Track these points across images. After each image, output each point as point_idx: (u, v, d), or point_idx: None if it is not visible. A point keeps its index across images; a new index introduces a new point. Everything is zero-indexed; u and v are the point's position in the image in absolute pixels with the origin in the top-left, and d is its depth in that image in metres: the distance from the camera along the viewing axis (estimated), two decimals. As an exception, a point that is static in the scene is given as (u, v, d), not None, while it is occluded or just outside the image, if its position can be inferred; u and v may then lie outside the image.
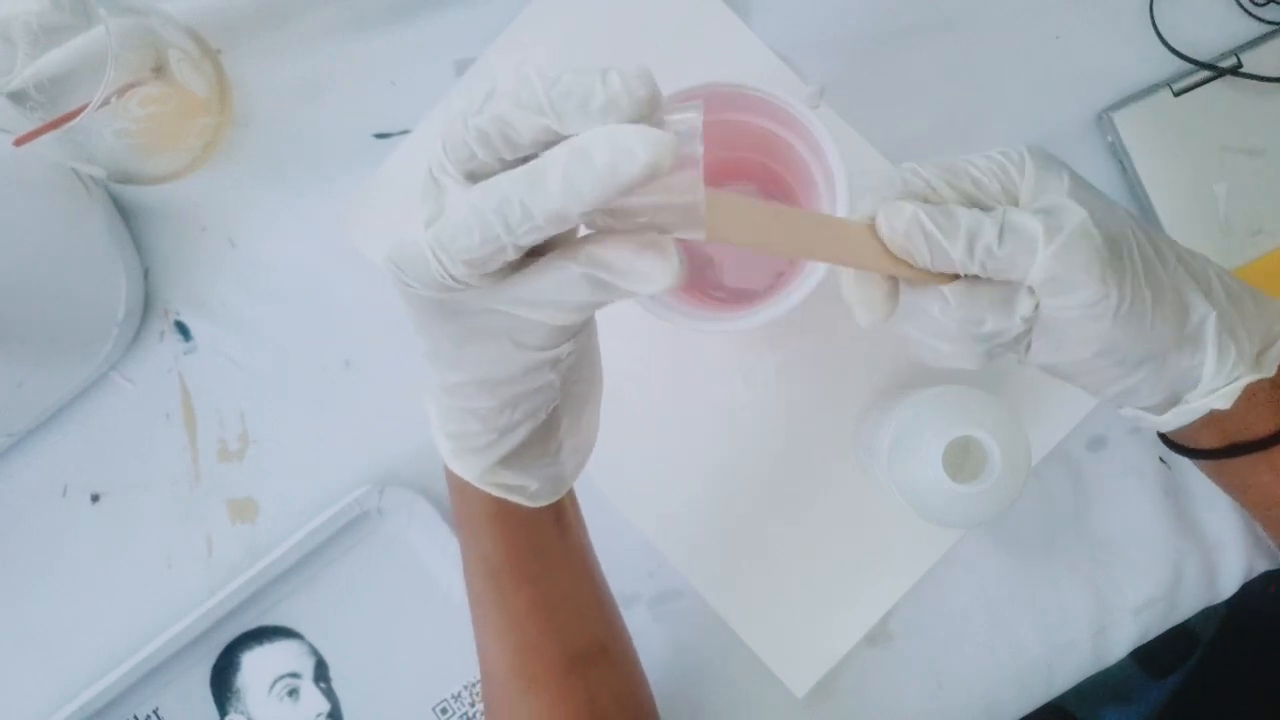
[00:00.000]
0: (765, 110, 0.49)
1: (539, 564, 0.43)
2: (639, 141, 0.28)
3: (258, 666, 0.58)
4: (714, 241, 0.33)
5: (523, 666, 0.43)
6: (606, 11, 0.59)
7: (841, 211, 0.46)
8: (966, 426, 0.45)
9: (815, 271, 0.46)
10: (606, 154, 0.28)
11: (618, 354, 0.58)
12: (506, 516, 0.42)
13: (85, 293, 0.56)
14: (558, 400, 0.39)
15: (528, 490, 0.41)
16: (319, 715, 0.58)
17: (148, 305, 0.60)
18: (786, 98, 0.46)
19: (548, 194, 0.29)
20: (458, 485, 0.42)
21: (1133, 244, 0.36)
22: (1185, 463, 0.57)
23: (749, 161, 0.55)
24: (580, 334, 0.37)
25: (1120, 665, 0.57)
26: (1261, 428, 0.41)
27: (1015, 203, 0.37)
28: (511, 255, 0.31)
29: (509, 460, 0.40)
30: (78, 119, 0.48)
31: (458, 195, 0.31)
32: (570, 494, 0.46)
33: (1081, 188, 0.37)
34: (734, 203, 0.34)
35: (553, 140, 0.29)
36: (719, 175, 0.57)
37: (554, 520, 0.44)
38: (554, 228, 0.30)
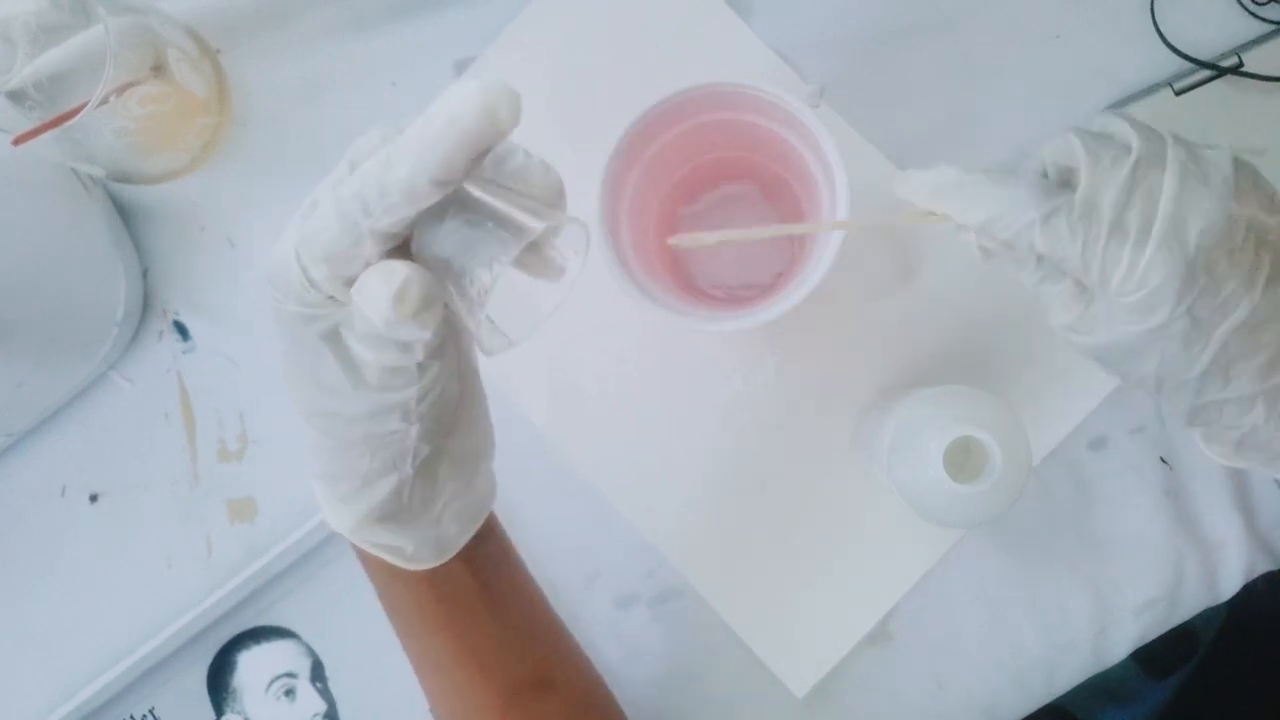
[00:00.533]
0: (765, 109, 0.49)
1: (449, 611, 0.42)
2: (474, 90, 0.28)
3: (254, 666, 0.58)
4: None
5: (456, 707, 0.43)
6: (607, 11, 0.59)
7: (842, 211, 0.46)
8: (966, 426, 0.45)
9: (815, 271, 0.46)
10: (447, 109, 0.29)
11: (618, 355, 0.58)
12: (406, 577, 0.40)
13: (84, 292, 0.56)
14: (424, 455, 0.36)
15: (404, 552, 0.38)
16: (315, 715, 0.58)
17: (147, 305, 0.60)
18: (787, 97, 0.46)
19: (399, 163, 0.29)
20: (359, 554, 0.41)
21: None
22: (1186, 463, 0.57)
23: (749, 161, 0.55)
24: (434, 383, 0.34)
25: (1121, 666, 0.57)
26: None
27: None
28: (369, 248, 0.30)
29: (384, 517, 0.37)
30: (77, 118, 0.48)
31: (328, 196, 0.31)
32: (489, 527, 0.43)
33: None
34: None
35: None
36: (720, 175, 0.57)
37: (462, 568, 0.41)
38: (408, 203, 0.30)
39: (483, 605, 0.42)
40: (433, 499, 0.38)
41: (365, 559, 0.41)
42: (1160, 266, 0.33)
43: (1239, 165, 0.35)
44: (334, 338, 0.33)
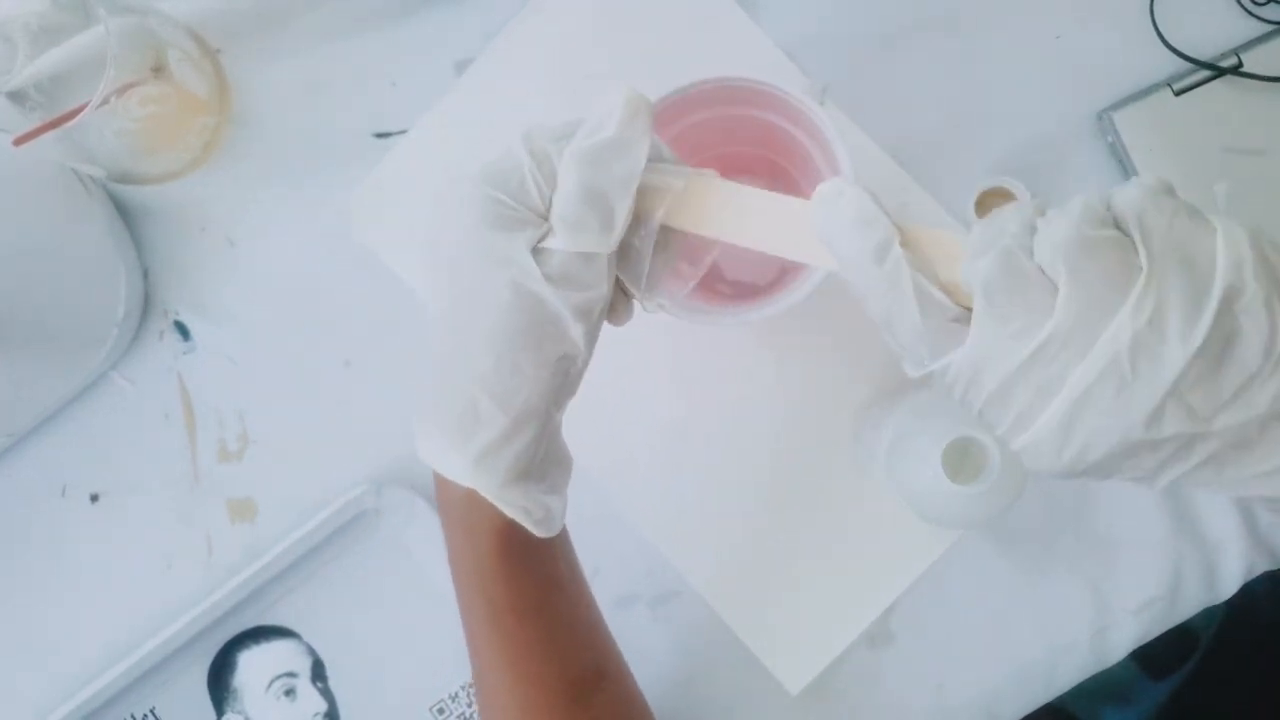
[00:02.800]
0: (773, 105, 0.49)
1: (541, 596, 0.42)
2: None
3: (255, 666, 0.58)
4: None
5: (525, 699, 0.42)
6: (611, 8, 0.59)
7: None
8: (966, 427, 0.45)
9: (820, 267, 0.46)
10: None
11: (617, 356, 0.58)
12: (514, 553, 0.40)
13: (85, 292, 0.56)
14: (579, 378, 0.38)
15: (534, 516, 0.38)
16: (316, 715, 0.58)
17: (147, 305, 0.60)
18: (795, 93, 0.46)
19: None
20: (463, 526, 0.40)
21: None
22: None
23: (755, 156, 0.55)
24: (609, 288, 0.37)
25: (1120, 665, 0.57)
26: None
27: None
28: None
29: (521, 475, 0.37)
30: (77, 118, 0.48)
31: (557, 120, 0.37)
32: None
33: None
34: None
35: None
36: (726, 171, 0.57)
37: (557, 547, 0.43)
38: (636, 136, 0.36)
39: (566, 590, 0.43)
40: (552, 460, 0.39)
41: (475, 547, 0.41)
42: (1031, 458, 0.30)
43: (1208, 348, 0.27)
44: (537, 250, 0.35)
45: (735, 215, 0.37)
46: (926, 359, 0.31)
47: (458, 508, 0.40)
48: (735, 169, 0.57)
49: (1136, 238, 0.28)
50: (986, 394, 0.30)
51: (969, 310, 0.30)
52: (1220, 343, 0.27)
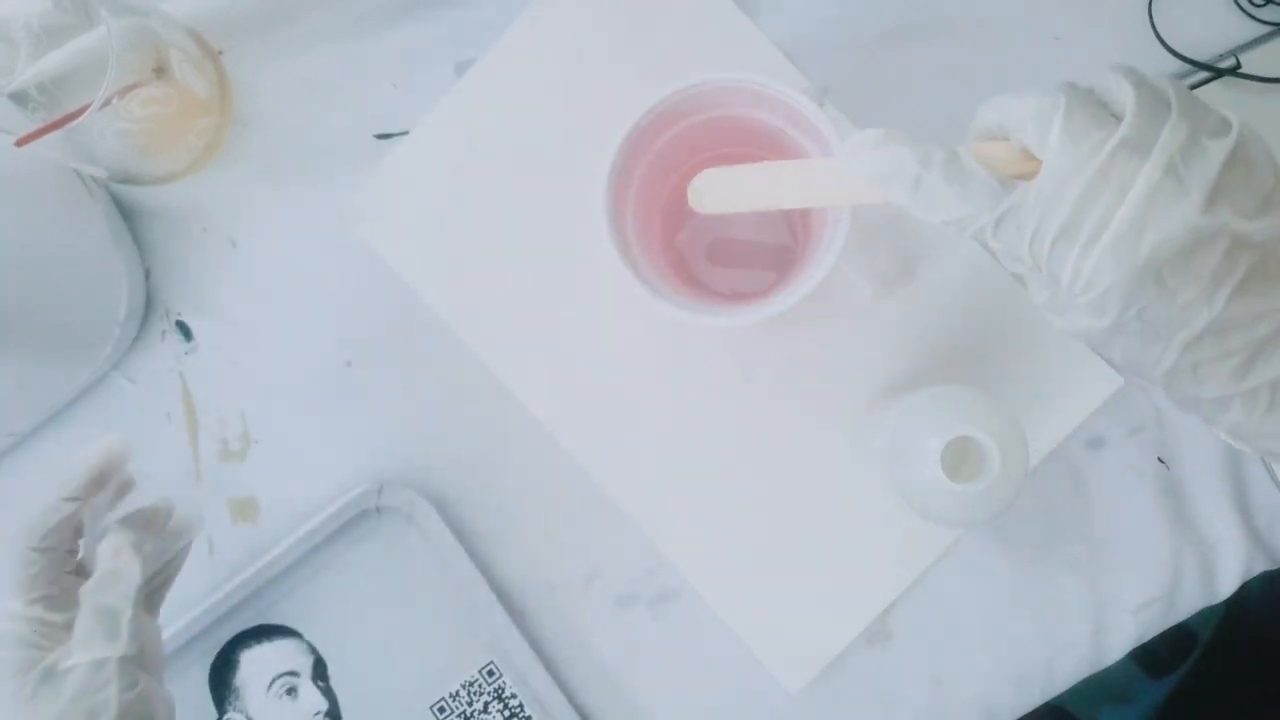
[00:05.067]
0: (772, 106, 0.49)
1: None
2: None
3: (256, 665, 0.58)
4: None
5: None
6: (612, 9, 0.59)
7: (844, 216, 0.46)
8: (965, 426, 0.45)
9: (820, 267, 0.46)
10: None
11: (620, 351, 0.58)
12: None
13: (87, 293, 0.56)
14: None
15: None
16: (317, 714, 0.58)
17: (149, 305, 0.60)
18: (794, 94, 0.46)
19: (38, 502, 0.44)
20: None
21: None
22: (1184, 463, 0.57)
23: (755, 158, 0.55)
24: (132, 683, 0.43)
25: (1119, 665, 0.57)
26: None
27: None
28: (48, 569, 0.42)
29: None
30: (79, 119, 0.48)
31: None
32: None
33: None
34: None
35: None
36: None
37: None
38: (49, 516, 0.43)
39: None
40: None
41: None
42: (1106, 272, 0.33)
43: (1233, 164, 0.33)
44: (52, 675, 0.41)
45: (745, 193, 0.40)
46: (994, 224, 0.35)
47: None
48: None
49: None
50: (1058, 224, 0.33)
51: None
52: (1243, 164, 0.33)
